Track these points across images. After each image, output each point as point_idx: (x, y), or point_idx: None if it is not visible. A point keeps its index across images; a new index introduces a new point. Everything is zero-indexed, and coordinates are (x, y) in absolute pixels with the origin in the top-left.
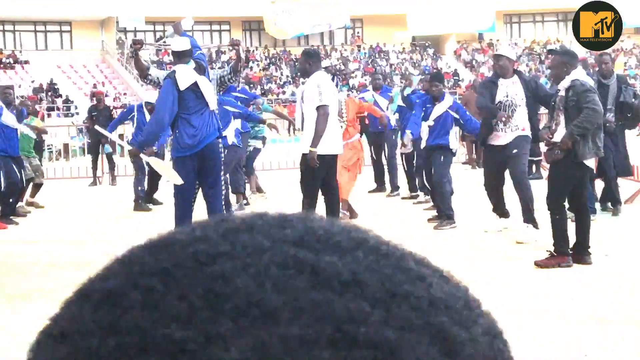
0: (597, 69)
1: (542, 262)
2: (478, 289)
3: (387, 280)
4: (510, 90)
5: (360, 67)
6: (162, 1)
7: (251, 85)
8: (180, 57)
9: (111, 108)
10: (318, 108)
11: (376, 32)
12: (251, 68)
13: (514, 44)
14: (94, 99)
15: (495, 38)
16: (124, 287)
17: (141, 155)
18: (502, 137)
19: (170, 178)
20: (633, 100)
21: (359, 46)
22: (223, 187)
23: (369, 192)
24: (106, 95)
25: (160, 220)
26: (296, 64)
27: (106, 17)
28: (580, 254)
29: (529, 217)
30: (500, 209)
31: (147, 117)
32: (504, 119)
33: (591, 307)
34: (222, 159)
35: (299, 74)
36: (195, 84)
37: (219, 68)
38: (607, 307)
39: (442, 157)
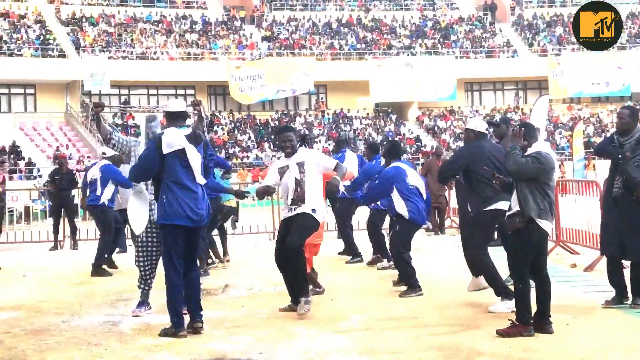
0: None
1: (504, 331)
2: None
3: None
4: None
5: (325, 132)
6: (128, 65)
7: (215, 149)
8: (174, 118)
9: (74, 171)
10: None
11: (340, 97)
12: (216, 132)
13: (474, 111)
14: (57, 162)
15: (457, 105)
16: None
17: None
18: None
19: (135, 222)
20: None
21: (322, 111)
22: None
23: (339, 253)
24: (70, 158)
25: (120, 287)
26: (261, 128)
27: (71, 80)
28: (542, 322)
29: (497, 290)
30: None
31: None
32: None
33: None
34: None
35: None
36: (183, 151)
37: None
38: None
39: (397, 226)
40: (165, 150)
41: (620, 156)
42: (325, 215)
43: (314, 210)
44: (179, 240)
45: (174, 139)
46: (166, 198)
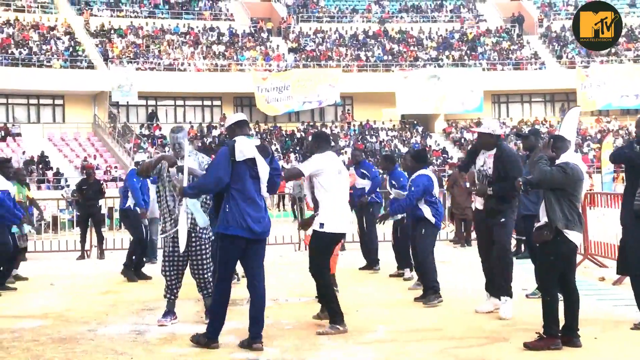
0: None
1: (531, 344)
2: None
3: None
4: (487, 162)
5: (350, 144)
6: (155, 76)
7: None
8: (241, 126)
9: (101, 182)
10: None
11: (366, 109)
12: None
13: (502, 124)
14: (84, 172)
15: (483, 117)
16: None
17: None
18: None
19: (182, 240)
20: None
21: (349, 123)
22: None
23: (360, 269)
24: (97, 168)
25: (146, 296)
26: (286, 139)
27: (99, 91)
28: (570, 336)
29: (503, 292)
30: (490, 286)
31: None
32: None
33: None
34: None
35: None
36: (253, 160)
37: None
38: None
39: (422, 230)
40: (239, 157)
41: None
42: (350, 222)
43: (321, 225)
44: (236, 252)
45: (247, 147)
46: (229, 208)
